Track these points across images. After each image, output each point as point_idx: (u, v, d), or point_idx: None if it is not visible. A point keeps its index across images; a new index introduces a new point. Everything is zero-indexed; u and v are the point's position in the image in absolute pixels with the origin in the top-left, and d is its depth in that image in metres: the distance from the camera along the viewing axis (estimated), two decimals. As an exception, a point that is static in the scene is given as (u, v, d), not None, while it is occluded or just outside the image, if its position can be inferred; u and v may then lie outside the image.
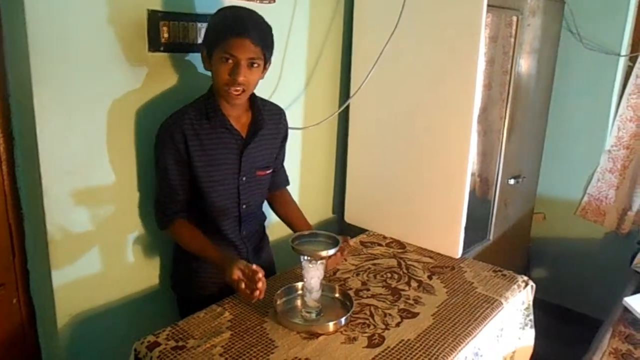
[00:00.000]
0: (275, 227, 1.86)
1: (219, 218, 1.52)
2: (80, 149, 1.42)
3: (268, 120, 1.54)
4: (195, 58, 1.61)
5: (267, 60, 1.42)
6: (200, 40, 1.59)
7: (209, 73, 1.43)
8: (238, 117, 1.50)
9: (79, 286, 1.49)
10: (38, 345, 1.56)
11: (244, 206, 1.55)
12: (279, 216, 1.73)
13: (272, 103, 1.62)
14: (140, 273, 1.65)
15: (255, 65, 1.38)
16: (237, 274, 1.33)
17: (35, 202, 1.39)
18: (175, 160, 1.43)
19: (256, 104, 1.52)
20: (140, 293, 1.66)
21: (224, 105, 1.45)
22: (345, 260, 1.77)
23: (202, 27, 1.59)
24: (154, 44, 1.50)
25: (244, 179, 1.52)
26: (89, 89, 1.40)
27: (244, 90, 1.39)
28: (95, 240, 1.51)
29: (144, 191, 1.58)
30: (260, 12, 1.40)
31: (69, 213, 1.42)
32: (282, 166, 1.73)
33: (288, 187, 1.78)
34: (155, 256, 1.69)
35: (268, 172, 1.60)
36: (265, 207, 1.72)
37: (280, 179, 1.72)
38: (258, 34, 1.35)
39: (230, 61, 1.35)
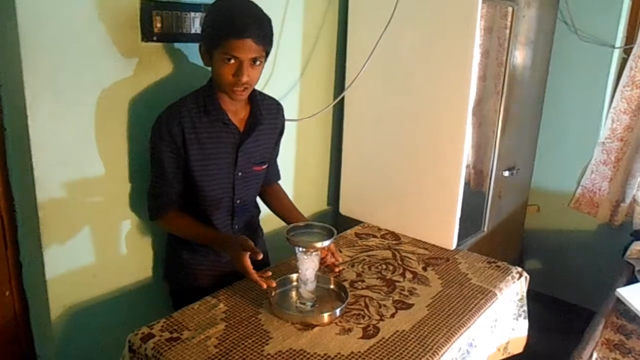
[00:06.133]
0: (269, 219, 1.85)
1: (211, 211, 1.52)
2: (72, 139, 1.41)
3: (266, 115, 1.53)
4: (189, 48, 1.60)
5: (267, 55, 1.41)
6: (194, 30, 1.57)
7: (202, 63, 1.41)
8: (236, 112, 1.48)
9: (72, 278, 1.48)
10: (31, 337, 1.56)
11: (238, 201, 1.55)
12: (272, 210, 1.73)
13: (270, 97, 1.61)
14: (134, 264, 1.64)
15: (258, 62, 1.36)
16: (247, 262, 1.35)
17: (27, 194, 1.38)
18: (171, 152, 1.42)
19: (255, 98, 1.50)
20: (133, 284, 1.65)
21: (223, 100, 1.44)
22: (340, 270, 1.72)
23: (196, 17, 1.57)
24: (147, 34, 1.48)
25: (239, 174, 1.51)
26: (81, 79, 1.38)
27: (247, 88, 1.38)
28: (88, 231, 1.50)
29: (136, 182, 1.57)
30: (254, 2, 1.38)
31: (61, 204, 1.41)
32: (275, 161, 1.73)
33: (281, 181, 1.77)
34: (148, 247, 1.68)
35: (264, 167, 1.59)
36: (260, 201, 1.72)
37: (272, 173, 1.71)
38: (259, 32, 1.32)
39: (232, 62, 1.33)
